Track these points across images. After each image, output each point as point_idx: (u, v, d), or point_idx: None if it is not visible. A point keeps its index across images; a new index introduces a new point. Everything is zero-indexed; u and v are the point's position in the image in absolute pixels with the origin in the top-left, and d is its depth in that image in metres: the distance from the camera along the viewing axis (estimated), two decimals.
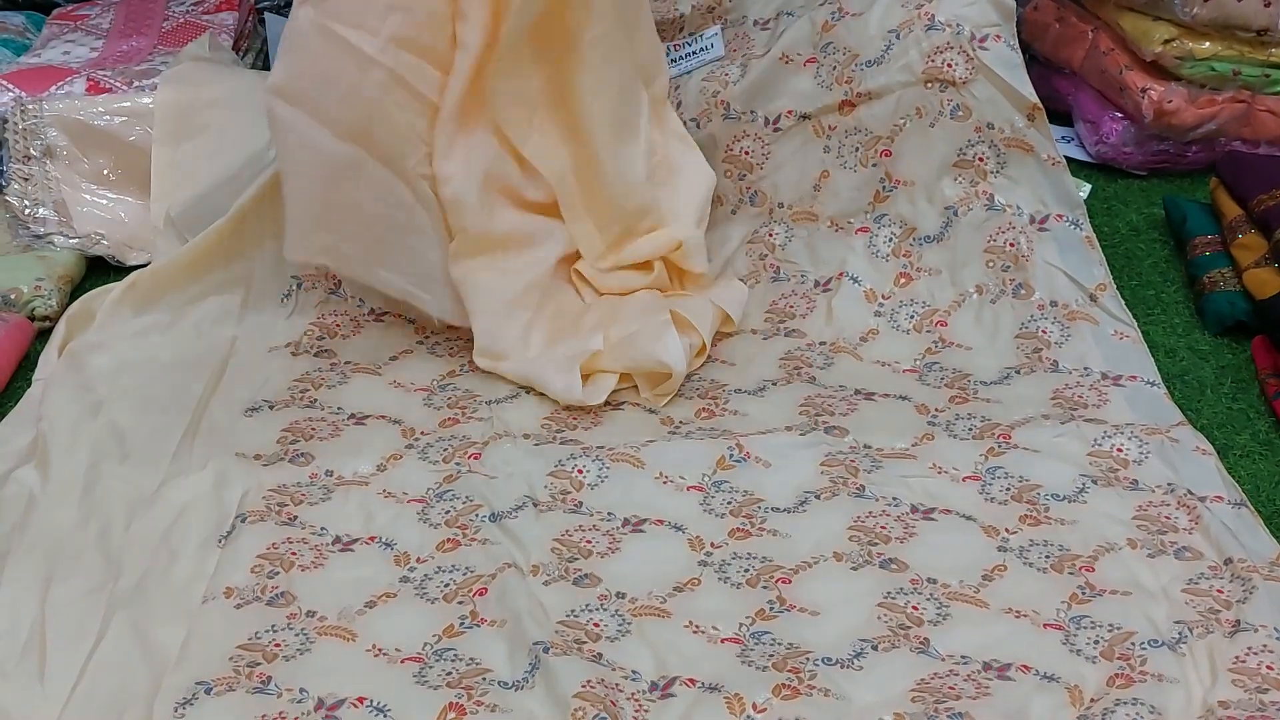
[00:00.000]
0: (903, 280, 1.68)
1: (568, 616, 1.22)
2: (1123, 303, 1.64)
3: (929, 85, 1.69)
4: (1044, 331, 1.61)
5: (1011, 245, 1.66)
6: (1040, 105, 1.68)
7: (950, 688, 1.13)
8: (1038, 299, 1.63)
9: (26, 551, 1.28)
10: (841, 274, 1.70)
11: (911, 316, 1.65)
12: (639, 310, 1.60)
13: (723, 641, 1.20)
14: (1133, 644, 1.17)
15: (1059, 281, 1.64)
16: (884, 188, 1.72)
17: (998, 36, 1.68)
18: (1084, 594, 1.23)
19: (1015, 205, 1.68)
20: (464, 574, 1.27)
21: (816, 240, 1.74)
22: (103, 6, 2.24)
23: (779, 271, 1.73)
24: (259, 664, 1.17)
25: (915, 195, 1.71)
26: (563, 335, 1.59)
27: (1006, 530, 1.31)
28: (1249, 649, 1.16)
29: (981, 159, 1.69)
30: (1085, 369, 1.56)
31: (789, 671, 1.15)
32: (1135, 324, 1.62)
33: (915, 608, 1.22)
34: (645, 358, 1.53)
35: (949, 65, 1.68)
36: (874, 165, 1.73)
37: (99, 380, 1.54)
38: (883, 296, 1.68)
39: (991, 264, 1.66)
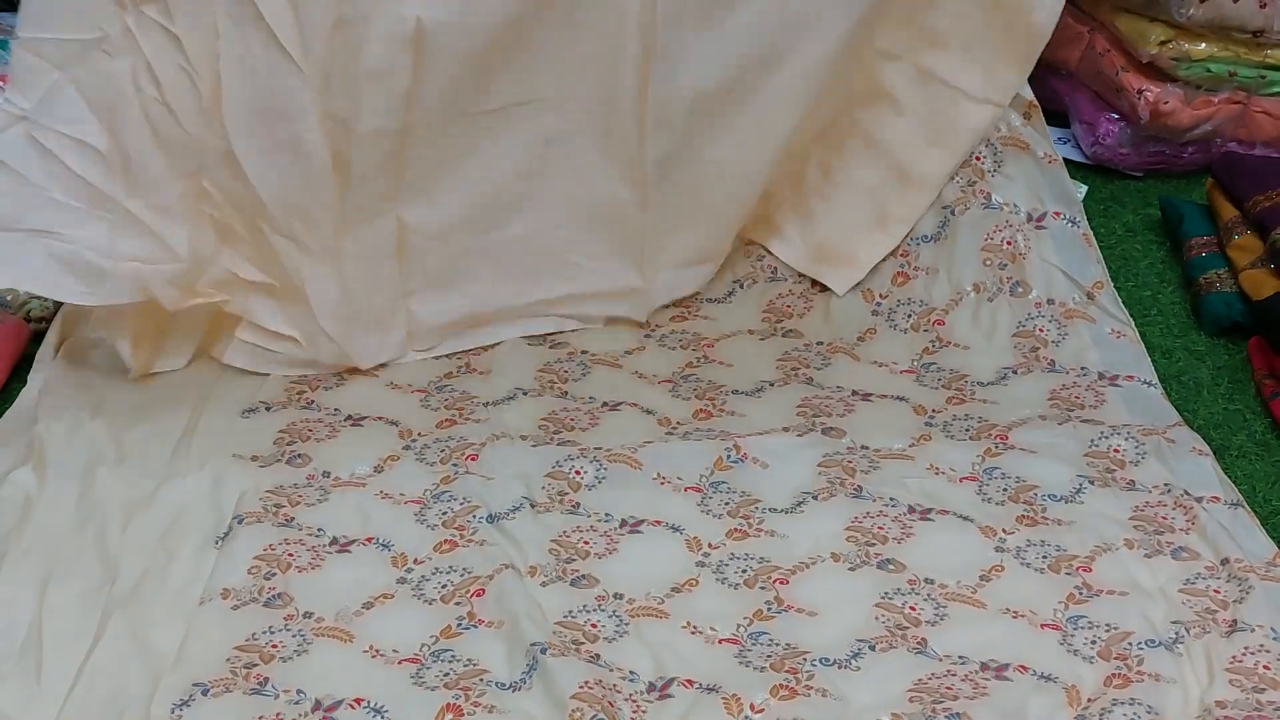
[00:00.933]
0: (900, 279, 1.68)
1: (565, 617, 1.22)
2: (1119, 300, 1.64)
3: None
4: (1041, 330, 1.61)
5: (1009, 243, 1.66)
6: (1036, 103, 1.68)
7: (948, 688, 1.13)
8: (1035, 297, 1.63)
9: (23, 553, 1.27)
10: None
11: (909, 315, 1.65)
12: None
13: (720, 642, 1.20)
14: (1130, 644, 1.17)
15: (1056, 279, 1.64)
16: None
17: None
18: (1081, 594, 1.23)
19: (1012, 203, 1.68)
20: (461, 575, 1.27)
21: None
22: None
23: (776, 272, 1.73)
24: (256, 665, 1.17)
25: None
26: None
27: (1004, 531, 1.31)
28: (1246, 649, 1.16)
29: (978, 157, 1.69)
30: (1082, 369, 1.56)
31: (787, 672, 1.15)
32: (1132, 322, 1.62)
33: (913, 608, 1.22)
34: None
35: None
36: None
37: (96, 381, 1.53)
38: (880, 295, 1.68)
39: (989, 262, 1.66)
